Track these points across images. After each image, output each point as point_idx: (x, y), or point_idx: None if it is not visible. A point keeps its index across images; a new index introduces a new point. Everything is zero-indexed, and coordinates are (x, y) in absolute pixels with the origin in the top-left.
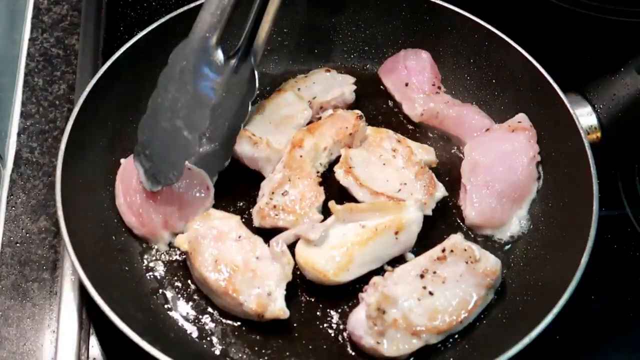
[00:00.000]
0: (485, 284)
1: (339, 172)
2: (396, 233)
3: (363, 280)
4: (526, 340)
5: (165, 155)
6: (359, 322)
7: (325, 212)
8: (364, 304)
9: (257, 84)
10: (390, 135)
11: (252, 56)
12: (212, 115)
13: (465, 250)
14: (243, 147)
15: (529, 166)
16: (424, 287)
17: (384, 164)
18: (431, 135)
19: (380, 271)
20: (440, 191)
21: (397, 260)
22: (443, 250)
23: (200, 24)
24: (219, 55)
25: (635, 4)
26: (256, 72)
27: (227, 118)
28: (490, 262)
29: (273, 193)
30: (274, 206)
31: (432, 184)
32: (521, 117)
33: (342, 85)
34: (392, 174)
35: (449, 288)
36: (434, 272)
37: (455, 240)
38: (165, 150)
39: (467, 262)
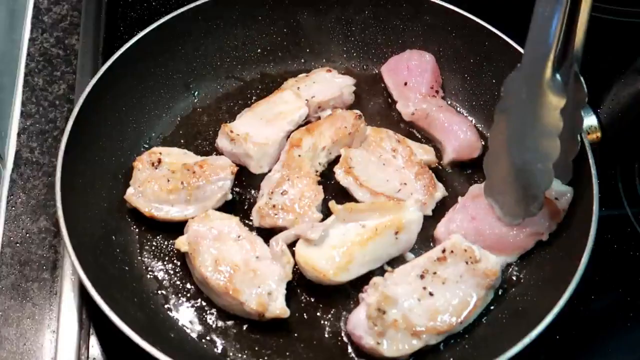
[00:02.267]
0: (486, 285)
1: (339, 172)
2: (396, 233)
3: (363, 280)
4: (526, 340)
5: (520, 189)
6: (359, 322)
7: (325, 212)
8: (364, 304)
9: (585, 89)
10: (390, 135)
11: (574, 61)
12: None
13: (466, 250)
14: (222, 142)
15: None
16: (424, 288)
17: (384, 164)
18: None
19: (380, 271)
20: (440, 191)
21: (397, 260)
22: (443, 251)
23: (530, 49)
24: (557, 78)
25: (636, 4)
26: (581, 78)
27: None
28: (491, 263)
29: (272, 192)
30: (273, 205)
31: (432, 184)
32: None
33: (342, 86)
34: (392, 174)
35: (449, 288)
36: (434, 273)
37: (456, 240)
38: (520, 185)
39: (467, 263)
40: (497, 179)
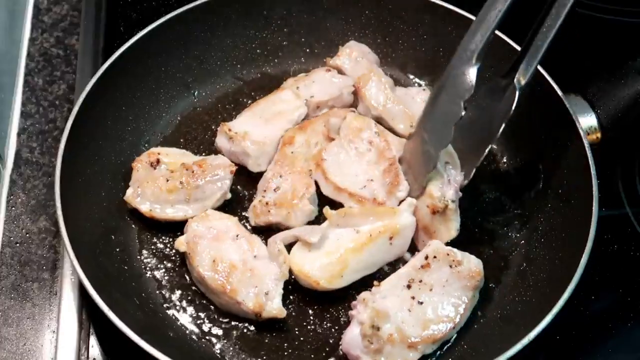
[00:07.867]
0: (472, 286)
1: (312, 165)
2: (390, 238)
3: (363, 280)
4: (526, 341)
5: (416, 167)
6: (353, 341)
7: (319, 209)
8: (356, 322)
9: (514, 105)
10: (371, 125)
11: (518, 77)
12: (461, 133)
13: (448, 254)
14: (221, 141)
15: None
16: (413, 297)
17: (357, 158)
18: None
19: (377, 274)
20: (404, 191)
21: (392, 265)
22: (426, 258)
23: (465, 40)
24: (471, 72)
25: (635, 4)
26: (517, 94)
27: (475, 136)
28: (473, 263)
29: (265, 191)
30: (266, 203)
31: (395, 182)
32: None
33: (341, 86)
34: (361, 169)
35: (437, 295)
36: (420, 281)
37: (436, 245)
38: (416, 163)
39: (451, 267)
40: (408, 154)
